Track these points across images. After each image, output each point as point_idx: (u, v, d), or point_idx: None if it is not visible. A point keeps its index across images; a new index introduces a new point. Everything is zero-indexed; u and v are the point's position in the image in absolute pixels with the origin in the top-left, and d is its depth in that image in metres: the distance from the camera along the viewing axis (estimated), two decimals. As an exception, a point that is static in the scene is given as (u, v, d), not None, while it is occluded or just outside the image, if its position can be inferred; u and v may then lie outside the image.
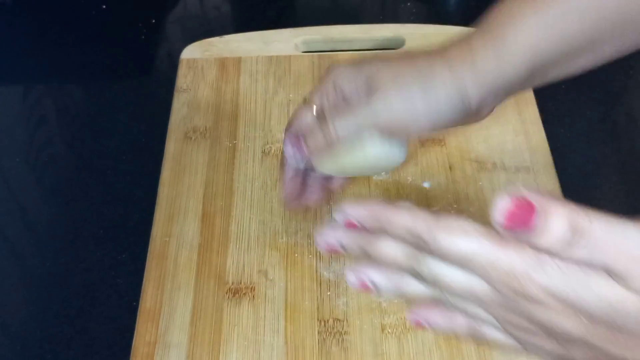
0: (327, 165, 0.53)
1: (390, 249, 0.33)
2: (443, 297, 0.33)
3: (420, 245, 0.31)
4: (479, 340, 0.35)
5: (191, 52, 0.76)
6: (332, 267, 0.60)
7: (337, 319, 0.56)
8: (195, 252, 0.60)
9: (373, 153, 0.51)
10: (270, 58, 0.75)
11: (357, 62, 0.50)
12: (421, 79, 0.46)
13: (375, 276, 0.35)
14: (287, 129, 0.53)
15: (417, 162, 0.66)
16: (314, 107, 0.51)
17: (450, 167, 0.65)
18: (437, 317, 0.36)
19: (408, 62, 0.48)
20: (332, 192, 0.59)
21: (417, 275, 0.33)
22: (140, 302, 0.58)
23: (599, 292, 0.28)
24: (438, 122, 0.47)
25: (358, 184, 0.64)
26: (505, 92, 0.48)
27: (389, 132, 0.49)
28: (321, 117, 0.50)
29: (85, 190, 0.69)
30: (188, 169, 0.66)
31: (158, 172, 0.66)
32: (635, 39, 0.48)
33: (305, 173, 0.55)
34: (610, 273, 0.28)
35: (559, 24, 0.45)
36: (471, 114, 0.48)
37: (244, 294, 0.58)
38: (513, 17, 0.46)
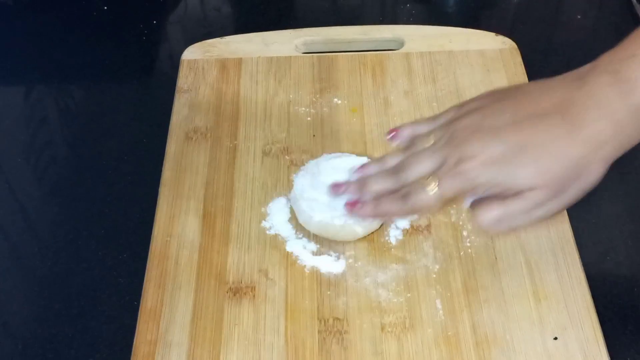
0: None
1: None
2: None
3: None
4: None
5: (192, 53, 0.77)
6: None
7: (337, 319, 0.56)
8: (196, 251, 0.61)
9: None
10: (270, 59, 0.76)
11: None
12: None
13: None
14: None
15: (416, 162, 0.66)
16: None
17: (449, 168, 0.65)
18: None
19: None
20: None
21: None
22: (141, 302, 0.58)
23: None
24: None
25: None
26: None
27: None
28: None
29: (87, 190, 0.70)
30: (189, 169, 0.66)
31: (159, 172, 0.66)
32: None
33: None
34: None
35: None
36: None
37: (245, 293, 0.58)
38: None
